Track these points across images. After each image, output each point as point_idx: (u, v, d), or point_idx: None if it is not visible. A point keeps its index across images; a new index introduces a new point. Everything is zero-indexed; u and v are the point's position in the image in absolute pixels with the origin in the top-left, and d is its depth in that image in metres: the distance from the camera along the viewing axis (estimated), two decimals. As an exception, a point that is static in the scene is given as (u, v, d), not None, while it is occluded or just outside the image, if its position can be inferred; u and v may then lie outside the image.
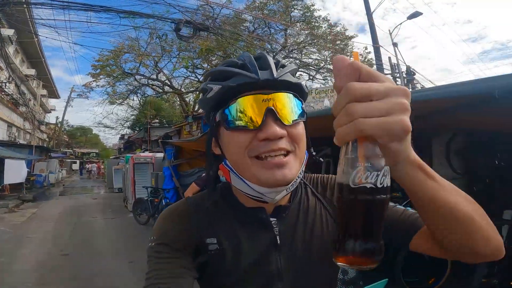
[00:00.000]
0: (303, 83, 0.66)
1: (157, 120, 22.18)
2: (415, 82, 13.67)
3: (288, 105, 0.61)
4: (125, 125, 26.65)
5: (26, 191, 13.14)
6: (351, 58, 0.38)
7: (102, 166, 30.69)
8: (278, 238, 0.67)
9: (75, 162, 35.56)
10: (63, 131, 34.64)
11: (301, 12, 15.18)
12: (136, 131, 24.46)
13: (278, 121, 0.58)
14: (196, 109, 19.31)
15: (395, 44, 12.58)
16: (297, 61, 15.86)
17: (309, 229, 0.71)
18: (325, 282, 0.70)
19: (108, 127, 25.69)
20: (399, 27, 18.54)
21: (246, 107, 0.59)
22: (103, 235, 6.71)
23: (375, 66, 14.71)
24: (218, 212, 0.70)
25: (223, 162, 0.66)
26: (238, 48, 12.67)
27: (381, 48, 13.43)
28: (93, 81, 16.27)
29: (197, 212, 0.69)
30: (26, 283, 4.04)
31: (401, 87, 0.38)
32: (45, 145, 26.84)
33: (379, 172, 0.37)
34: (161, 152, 7.82)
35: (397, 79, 13.37)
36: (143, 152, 14.37)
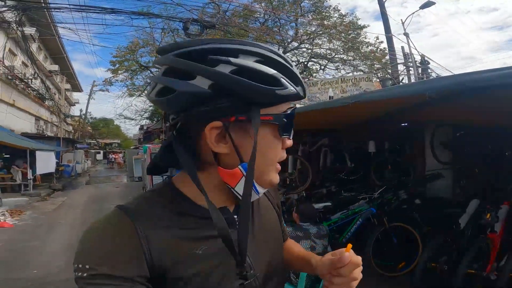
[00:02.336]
0: None
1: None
2: (429, 71, 13.53)
3: None
4: (144, 116, 27.66)
5: (56, 181, 14.21)
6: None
7: (121, 155, 32.14)
8: None
9: (99, 153, 37.34)
10: (87, 123, 36.25)
11: (311, 2, 15.17)
12: (154, 122, 25.32)
13: None
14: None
15: (406, 35, 12.45)
16: (309, 51, 15.99)
17: (264, 223, 0.72)
18: (280, 268, 0.74)
19: (128, 118, 26.73)
20: (411, 17, 18.07)
21: (292, 118, 0.60)
22: (124, 221, 7.37)
23: (388, 56, 14.68)
24: (171, 221, 0.57)
25: (241, 167, 0.56)
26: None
27: (395, 38, 13.39)
28: (112, 76, 17.02)
29: (144, 225, 0.54)
30: (57, 262, 4.61)
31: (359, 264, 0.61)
32: (70, 137, 28.29)
33: None
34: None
35: (410, 68, 13.32)
36: (161, 142, 15.06)
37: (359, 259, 0.61)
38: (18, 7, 9.09)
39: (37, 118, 20.68)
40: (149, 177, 9.97)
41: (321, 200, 4.40)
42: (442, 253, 2.87)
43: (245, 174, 0.56)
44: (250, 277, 0.59)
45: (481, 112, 2.54)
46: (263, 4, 14.69)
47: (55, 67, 24.93)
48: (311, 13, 15.55)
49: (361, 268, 0.62)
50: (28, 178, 11.52)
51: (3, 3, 8.90)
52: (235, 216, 0.64)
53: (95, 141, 40.01)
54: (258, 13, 14.73)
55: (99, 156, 37.00)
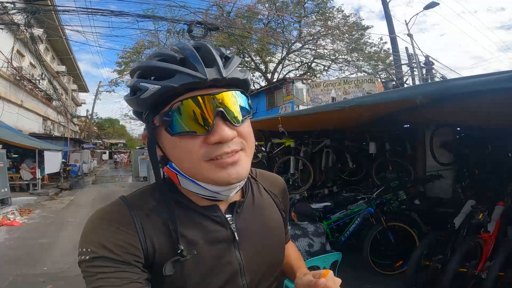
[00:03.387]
0: (249, 76, 0.63)
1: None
2: (433, 71, 13.53)
3: (237, 104, 0.58)
4: (149, 116, 27.93)
5: (63, 180, 14.43)
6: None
7: (125, 156, 32.83)
8: (236, 235, 0.65)
9: (105, 153, 37.81)
10: (93, 123, 36.68)
11: (315, 3, 15.25)
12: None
13: (228, 122, 0.56)
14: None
15: (410, 35, 12.49)
16: (313, 52, 16.06)
17: (265, 224, 0.72)
18: (278, 269, 0.75)
19: (134, 119, 27.10)
20: (415, 17, 18.09)
21: (194, 110, 0.55)
22: (130, 219, 7.54)
23: (392, 57, 14.71)
24: (163, 213, 0.62)
25: (168, 165, 0.63)
26: (250, 44, 13.07)
27: (400, 38, 13.44)
28: (119, 77, 17.30)
29: (141, 216, 0.61)
30: (67, 259, 4.71)
31: (339, 283, 0.63)
32: (77, 137, 28.66)
33: None
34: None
35: (414, 69, 13.33)
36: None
37: (336, 284, 0.62)
38: (27, 9, 9.31)
39: (45, 119, 20.97)
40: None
41: (323, 200, 4.51)
42: (436, 252, 2.95)
43: (176, 171, 0.62)
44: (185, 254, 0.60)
45: (476, 113, 2.64)
46: (266, 5, 14.81)
47: (62, 68, 25.25)
48: (315, 14, 15.64)
49: None
50: (37, 177, 11.75)
51: (12, 5, 9.13)
52: (228, 216, 0.67)
53: (101, 141, 40.49)
54: (262, 14, 14.85)
55: (105, 156, 37.47)
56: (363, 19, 17.05)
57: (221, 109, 0.55)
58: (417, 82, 13.15)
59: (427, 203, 4.29)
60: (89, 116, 32.38)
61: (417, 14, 12.74)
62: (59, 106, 22.79)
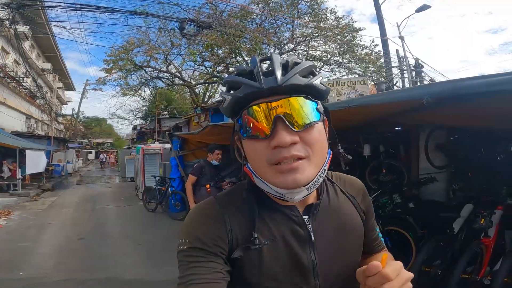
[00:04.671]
0: (317, 81, 0.64)
1: (166, 112, 22.73)
2: (423, 74, 13.66)
3: (298, 110, 0.61)
4: (137, 116, 27.51)
5: (45, 181, 13.95)
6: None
7: (113, 156, 32.17)
8: (312, 235, 0.69)
9: (90, 152, 36.88)
10: (79, 122, 35.84)
11: (308, 4, 15.23)
12: (148, 122, 25.21)
13: (288, 128, 0.59)
14: (205, 100, 19.83)
15: (401, 38, 12.58)
16: (305, 53, 16.02)
17: (341, 226, 0.74)
18: (353, 275, 0.70)
19: (122, 118, 26.54)
20: (407, 20, 18.33)
21: (256, 117, 0.61)
22: (115, 222, 7.27)
23: (382, 59, 14.80)
24: (250, 211, 0.69)
25: (246, 165, 0.70)
26: (243, 43, 12.93)
27: (390, 41, 13.52)
28: (106, 76, 16.81)
29: (229, 213, 0.68)
30: (47, 264, 4.52)
31: (407, 278, 0.57)
32: (62, 136, 27.91)
33: None
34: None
35: (404, 71, 13.44)
36: (154, 142, 14.94)
37: (392, 272, 0.54)
38: (12, 5, 8.92)
39: (28, 117, 20.38)
40: (142, 178, 9.91)
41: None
42: (436, 257, 2.86)
43: (251, 171, 0.68)
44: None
45: (476, 116, 2.56)
46: (260, 6, 14.70)
47: (48, 66, 24.62)
48: (308, 15, 15.61)
49: (395, 284, 0.54)
50: (17, 178, 11.28)
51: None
52: (305, 217, 0.71)
53: (87, 141, 39.55)
54: (255, 14, 14.73)
55: (91, 156, 36.57)
56: (355, 21, 17.15)
57: (279, 115, 0.60)
58: (407, 85, 13.27)
59: (422, 206, 4.22)
60: (75, 115, 31.64)
61: (409, 16, 12.82)
62: (43, 104, 22.12)
